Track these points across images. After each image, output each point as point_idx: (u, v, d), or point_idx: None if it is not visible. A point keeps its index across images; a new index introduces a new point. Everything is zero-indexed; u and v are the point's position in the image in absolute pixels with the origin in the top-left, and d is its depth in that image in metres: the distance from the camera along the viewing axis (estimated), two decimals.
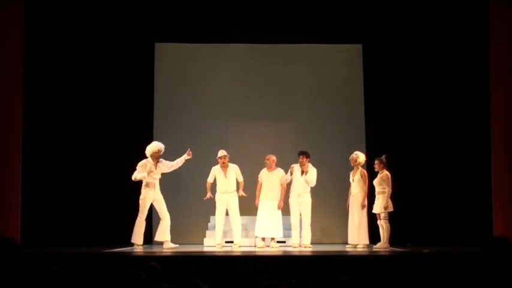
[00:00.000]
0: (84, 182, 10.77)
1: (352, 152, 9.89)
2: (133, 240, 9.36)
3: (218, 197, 9.88)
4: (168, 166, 9.63)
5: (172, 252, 8.74)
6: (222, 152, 9.92)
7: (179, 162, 9.70)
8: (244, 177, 9.99)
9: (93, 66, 11.00)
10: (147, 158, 9.53)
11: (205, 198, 9.89)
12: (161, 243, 9.60)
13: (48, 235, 9.91)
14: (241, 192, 9.87)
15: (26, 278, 4.38)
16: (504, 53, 9.11)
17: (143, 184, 9.44)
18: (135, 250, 9.08)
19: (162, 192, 9.58)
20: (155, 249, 9.38)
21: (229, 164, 9.94)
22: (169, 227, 9.52)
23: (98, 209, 10.68)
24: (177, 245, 9.49)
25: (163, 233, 9.51)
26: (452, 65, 10.76)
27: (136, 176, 9.41)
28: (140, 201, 9.42)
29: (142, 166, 9.44)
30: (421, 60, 11.03)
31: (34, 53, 9.74)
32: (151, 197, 9.43)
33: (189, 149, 9.73)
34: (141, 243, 9.34)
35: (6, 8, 8.94)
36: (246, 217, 10.36)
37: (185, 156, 9.72)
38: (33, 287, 4.31)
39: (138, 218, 9.40)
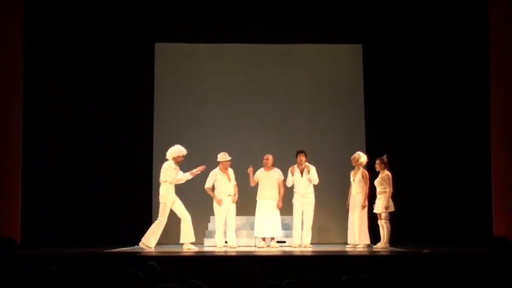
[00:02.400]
0: (84, 182, 10.77)
1: (353, 152, 9.89)
2: (146, 242, 9.07)
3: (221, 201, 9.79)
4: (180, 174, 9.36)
5: (172, 252, 8.72)
6: (226, 156, 9.77)
7: (188, 176, 9.39)
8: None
9: (93, 66, 10.99)
10: (167, 160, 9.34)
11: (218, 204, 9.75)
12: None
13: (48, 235, 9.90)
14: (235, 197, 9.76)
15: (26, 278, 4.38)
16: (504, 53, 9.12)
17: (163, 187, 9.27)
18: (144, 251, 8.94)
19: None
20: (154, 249, 9.36)
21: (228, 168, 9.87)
22: (191, 227, 9.26)
23: (98, 209, 10.66)
24: (196, 248, 9.22)
25: (187, 235, 9.21)
26: (453, 65, 10.75)
27: (179, 178, 9.24)
28: (162, 205, 9.22)
29: (169, 169, 9.22)
30: (421, 60, 11.02)
31: (34, 53, 9.74)
32: (171, 199, 9.26)
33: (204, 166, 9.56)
34: (153, 246, 9.13)
35: (6, 8, 8.94)
36: (246, 217, 10.35)
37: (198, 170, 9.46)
38: (33, 287, 4.30)
39: (159, 221, 9.16)
